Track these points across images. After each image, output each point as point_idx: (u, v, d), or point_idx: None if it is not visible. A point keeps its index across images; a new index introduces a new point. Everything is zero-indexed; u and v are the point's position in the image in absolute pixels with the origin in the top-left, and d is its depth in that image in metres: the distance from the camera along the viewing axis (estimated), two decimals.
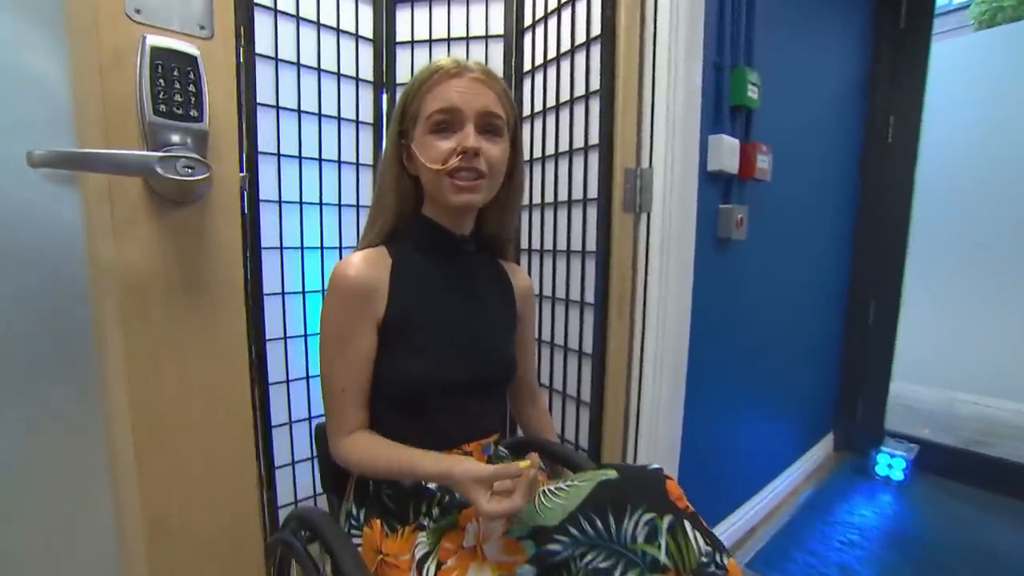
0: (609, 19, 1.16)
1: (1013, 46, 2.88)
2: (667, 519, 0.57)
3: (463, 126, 0.70)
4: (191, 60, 0.52)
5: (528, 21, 1.42)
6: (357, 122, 1.46)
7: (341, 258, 1.20)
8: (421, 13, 1.49)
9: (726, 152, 1.28)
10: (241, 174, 0.60)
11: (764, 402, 1.82)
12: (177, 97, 0.51)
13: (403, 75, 1.50)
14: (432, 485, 0.72)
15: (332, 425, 0.73)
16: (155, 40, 0.50)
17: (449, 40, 1.48)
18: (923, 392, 3.08)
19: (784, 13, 1.56)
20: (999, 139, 2.86)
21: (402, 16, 1.49)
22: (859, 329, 2.29)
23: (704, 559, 0.57)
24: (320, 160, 1.38)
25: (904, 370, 2.57)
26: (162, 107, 0.50)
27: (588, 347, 1.27)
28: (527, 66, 1.43)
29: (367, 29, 1.46)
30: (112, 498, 0.52)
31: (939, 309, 3.02)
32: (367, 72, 1.47)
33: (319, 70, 1.36)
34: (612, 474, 0.61)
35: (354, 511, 0.75)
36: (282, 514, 1.34)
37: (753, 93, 1.32)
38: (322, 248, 1.40)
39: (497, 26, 1.46)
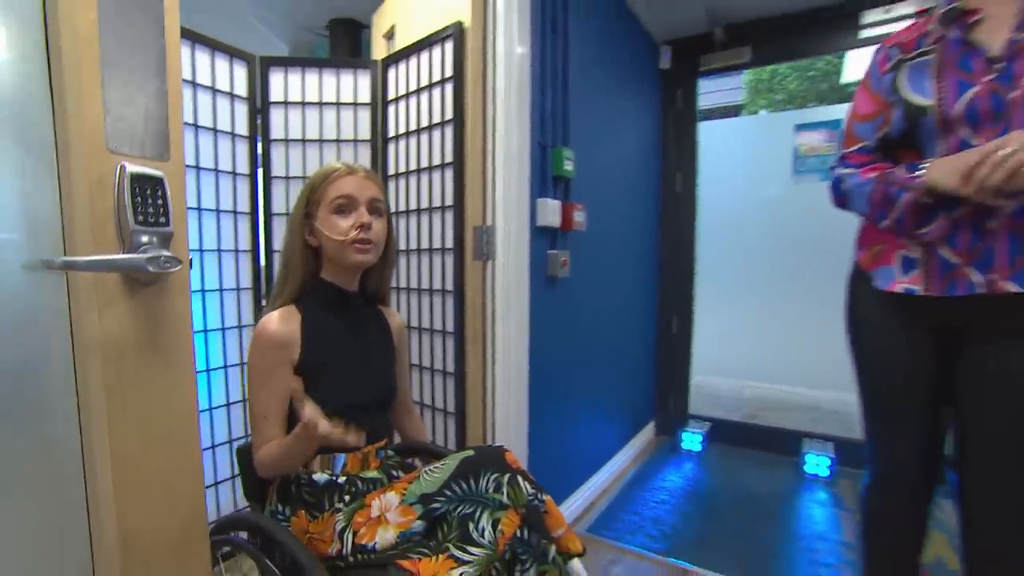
0: (458, 106, 1.48)
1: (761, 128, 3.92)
2: (507, 475, 0.87)
3: (358, 208, 0.97)
4: (159, 180, 0.71)
5: (392, 95, 1.69)
6: (235, 174, 1.59)
7: (219, 300, 1.53)
8: (294, 77, 1.68)
9: (551, 212, 1.67)
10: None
11: (596, 402, 2.26)
12: (151, 209, 0.70)
13: (276, 131, 1.66)
14: (341, 479, 0.94)
15: (255, 442, 0.93)
16: (132, 168, 0.69)
17: (321, 104, 1.69)
18: (720, 382, 3.89)
19: (593, 98, 2.03)
20: (757, 188, 3.80)
21: (275, 79, 1.66)
22: (666, 338, 2.90)
23: (530, 497, 0.88)
24: (200, 210, 1.50)
25: (705, 366, 3.32)
26: (140, 217, 0.69)
27: (451, 367, 1.56)
28: (391, 132, 1.70)
29: (242, 88, 1.60)
30: (85, 511, 0.68)
31: (725, 318, 3.86)
32: (242, 127, 1.61)
33: (196, 127, 1.47)
34: (470, 452, 0.90)
35: (280, 508, 0.94)
36: None
37: (569, 166, 1.74)
38: (203, 291, 1.51)
39: (365, 95, 1.71)
